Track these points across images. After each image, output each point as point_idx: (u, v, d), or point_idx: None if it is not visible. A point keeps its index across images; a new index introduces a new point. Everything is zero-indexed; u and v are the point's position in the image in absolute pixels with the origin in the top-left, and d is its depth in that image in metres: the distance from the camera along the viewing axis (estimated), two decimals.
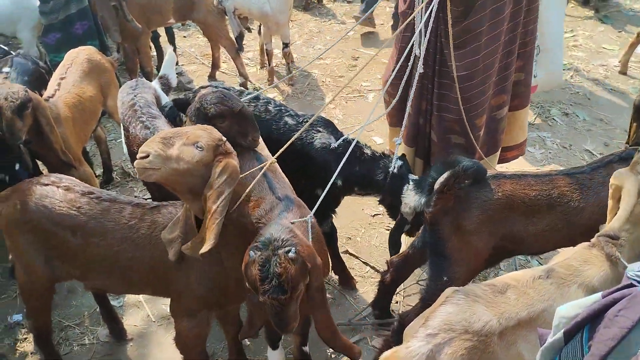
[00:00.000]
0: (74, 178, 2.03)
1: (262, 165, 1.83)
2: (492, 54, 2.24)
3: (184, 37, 5.47)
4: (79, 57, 2.89)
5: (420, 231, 2.16)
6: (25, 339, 2.58)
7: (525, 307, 1.45)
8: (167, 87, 2.65)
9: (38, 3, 3.66)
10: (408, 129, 2.55)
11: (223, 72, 4.79)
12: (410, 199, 2.07)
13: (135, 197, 3.40)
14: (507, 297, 1.47)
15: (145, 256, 1.83)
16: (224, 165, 1.61)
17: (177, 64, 4.89)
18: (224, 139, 1.68)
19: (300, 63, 4.88)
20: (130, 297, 2.76)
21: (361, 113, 4.13)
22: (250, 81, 4.53)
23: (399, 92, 2.35)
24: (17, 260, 2.01)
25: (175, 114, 2.43)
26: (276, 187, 1.80)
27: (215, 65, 4.63)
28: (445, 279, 1.92)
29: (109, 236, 1.86)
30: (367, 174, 2.29)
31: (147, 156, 1.55)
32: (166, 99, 2.57)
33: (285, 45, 4.41)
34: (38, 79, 2.85)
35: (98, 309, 2.68)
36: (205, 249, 1.56)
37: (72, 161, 2.52)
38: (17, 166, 2.42)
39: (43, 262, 1.96)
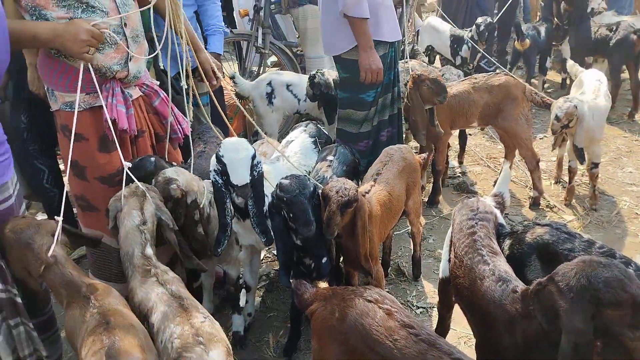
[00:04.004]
0: (394, 299, 1.87)
1: None
2: None
3: (469, 134, 5.32)
4: (396, 154, 2.88)
5: None
6: None
7: None
8: (501, 207, 2.39)
9: None
10: None
11: (512, 181, 4.42)
12: None
13: (408, 301, 3.24)
14: None
15: None
16: None
17: (461, 163, 4.73)
18: None
19: (604, 185, 4.21)
20: None
21: None
22: (543, 197, 4.05)
23: None
24: None
25: None
26: None
27: None
28: None
29: None
30: None
31: None
32: (502, 221, 2.31)
33: (595, 165, 3.83)
34: (353, 170, 2.91)
35: None
36: None
37: (372, 269, 2.44)
38: (324, 259, 2.41)
39: None
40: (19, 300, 1.96)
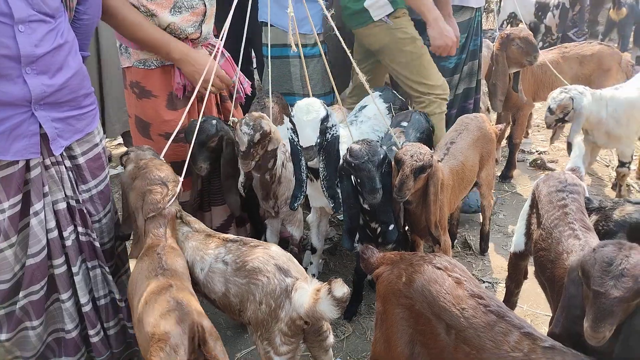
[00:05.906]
0: (464, 268, 1.82)
1: None
2: None
3: None
4: (471, 123, 2.78)
5: None
6: None
7: None
8: None
9: None
10: None
11: (600, 159, 4.16)
12: None
13: (473, 274, 3.15)
14: None
15: None
16: None
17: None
18: None
19: None
20: None
21: None
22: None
23: None
24: (382, 327, 1.91)
25: None
26: None
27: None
28: None
29: (483, 355, 1.57)
30: None
31: None
32: (588, 195, 2.18)
33: (622, 164, 3.39)
34: (427, 137, 2.84)
35: None
36: None
37: (441, 237, 2.38)
38: (391, 226, 2.38)
39: (406, 341, 1.81)
40: (97, 244, 2.09)
